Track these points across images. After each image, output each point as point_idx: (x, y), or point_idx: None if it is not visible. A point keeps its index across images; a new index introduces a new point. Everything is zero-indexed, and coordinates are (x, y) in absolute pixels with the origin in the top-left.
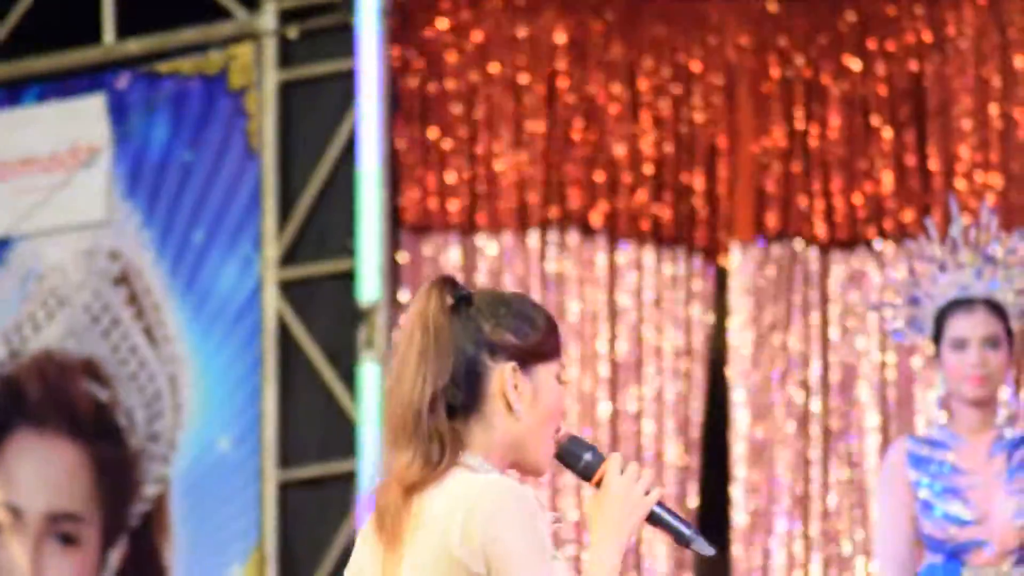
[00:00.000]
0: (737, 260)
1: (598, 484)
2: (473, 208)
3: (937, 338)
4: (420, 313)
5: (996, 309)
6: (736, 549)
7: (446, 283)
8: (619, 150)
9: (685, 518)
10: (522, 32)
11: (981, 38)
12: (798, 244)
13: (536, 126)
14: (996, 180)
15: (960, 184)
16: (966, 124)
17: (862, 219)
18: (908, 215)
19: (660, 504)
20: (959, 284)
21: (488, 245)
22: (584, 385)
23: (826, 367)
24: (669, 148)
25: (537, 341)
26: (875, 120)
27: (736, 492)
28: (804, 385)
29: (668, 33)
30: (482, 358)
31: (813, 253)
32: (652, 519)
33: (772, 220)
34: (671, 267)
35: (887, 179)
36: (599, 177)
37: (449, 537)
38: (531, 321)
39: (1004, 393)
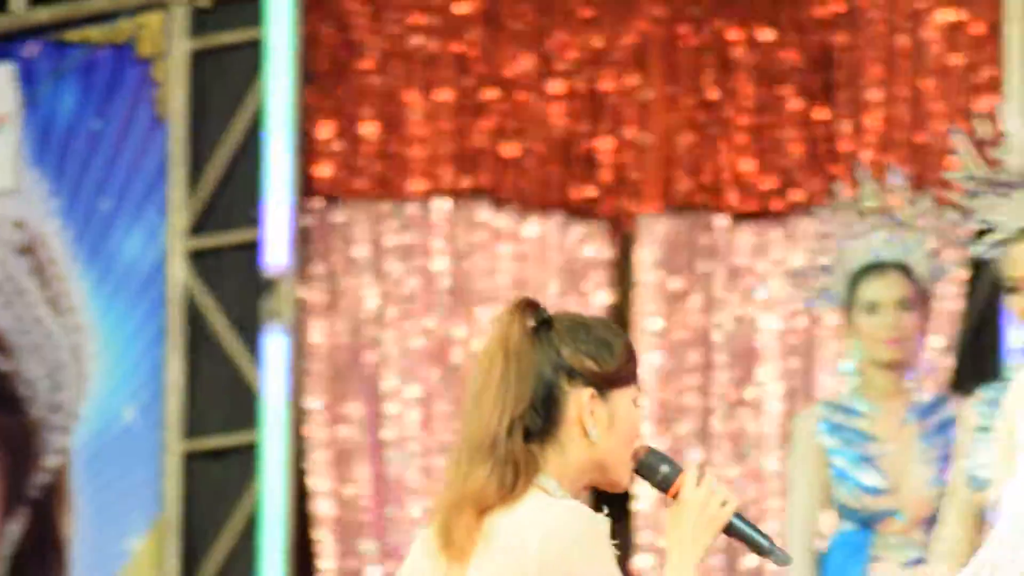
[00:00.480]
0: (645, 230)
1: (675, 496)
2: (383, 178)
3: (850, 304)
4: (502, 337)
5: (907, 272)
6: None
7: (528, 306)
8: (529, 121)
9: (760, 529)
10: (434, 1)
11: (892, 9)
12: (707, 214)
13: (447, 96)
14: (904, 151)
15: (868, 155)
16: (875, 95)
17: (771, 189)
18: (817, 185)
19: (737, 515)
20: (870, 249)
21: (398, 215)
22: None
23: (730, 337)
24: (580, 119)
25: (615, 368)
26: (785, 90)
27: None
28: (707, 354)
29: (579, 2)
30: (560, 383)
31: (722, 223)
32: (729, 530)
33: (681, 190)
34: (580, 237)
35: (796, 149)
36: (509, 149)
37: (524, 559)
38: (610, 347)
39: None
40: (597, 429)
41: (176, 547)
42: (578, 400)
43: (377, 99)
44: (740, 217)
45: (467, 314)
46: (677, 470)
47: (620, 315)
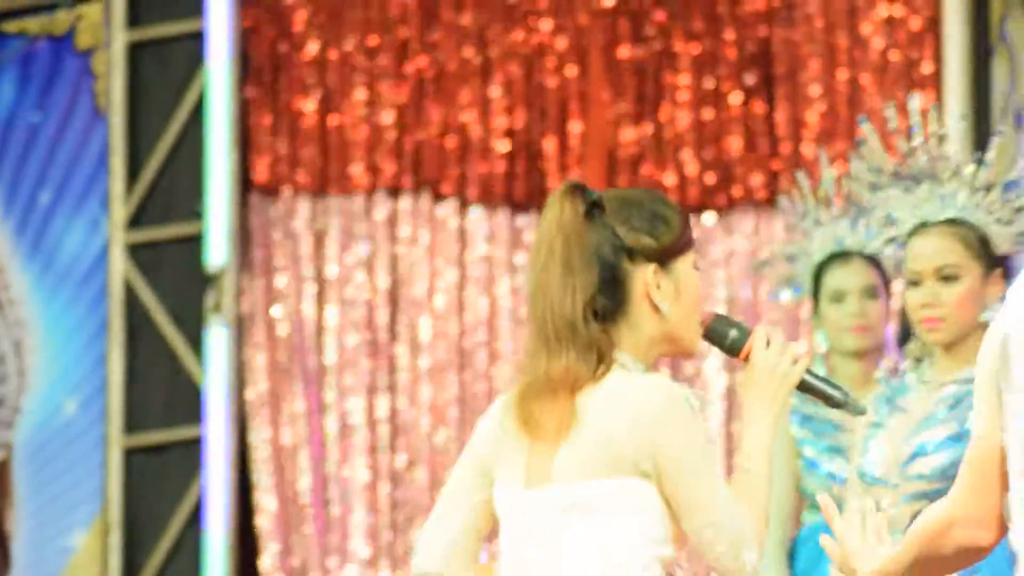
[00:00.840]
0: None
1: (746, 359)
2: (324, 171)
3: (816, 294)
4: (557, 222)
5: (872, 260)
6: None
7: (576, 190)
8: (470, 115)
9: (834, 381)
10: None
11: (830, 4)
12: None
13: (387, 90)
14: (843, 145)
15: (808, 149)
16: (814, 90)
17: (711, 184)
18: (756, 179)
19: (809, 372)
20: (834, 237)
21: (339, 209)
22: (437, 352)
23: None
24: (521, 114)
25: (673, 239)
26: (724, 85)
27: None
28: None
29: None
30: (622, 264)
31: None
32: (803, 387)
33: (623, 185)
34: (524, 230)
35: (736, 144)
36: (450, 142)
37: (614, 434)
38: (664, 219)
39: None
40: (666, 302)
41: (119, 542)
42: (643, 277)
43: (317, 92)
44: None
45: (410, 308)
46: (746, 333)
47: None
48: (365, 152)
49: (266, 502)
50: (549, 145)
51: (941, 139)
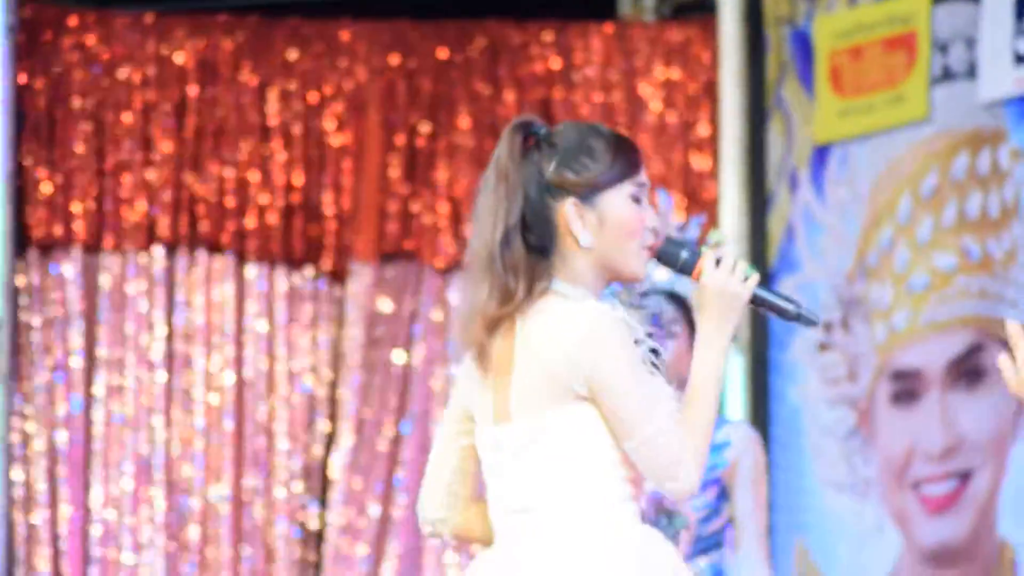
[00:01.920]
0: (359, 279)
1: (699, 278)
2: (100, 226)
3: None
4: (496, 159)
5: (674, 298)
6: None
7: (520, 127)
8: (250, 172)
9: (786, 294)
10: (151, 51)
11: (607, 66)
12: (419, 265)
13: (165, 145)
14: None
15: None
16: None
17: None
18: None
19: (760, 286)
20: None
21: (114, 263)
22: (211, 400)
23: (449, 381)
24: (299, 170)
25: (597, 173)
26: None
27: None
28: (427, 400)
29: (299, 55)
30: (545, 199)
31: (433, 273)
32: (755, 302)
33: (393, 240)
34: (299, 286)
35: None
36: (229, 198)
37: (552, 360)
38: (591, 153)
39: None
40: (587, 235)
41: None
42: (562, 212)
43: (94, 148)
44: (456, 269)
45: (186, 359)
46: (697, 254)
47: (335, 357)
48: (143, 207)
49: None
50: (327, 202)
51: None
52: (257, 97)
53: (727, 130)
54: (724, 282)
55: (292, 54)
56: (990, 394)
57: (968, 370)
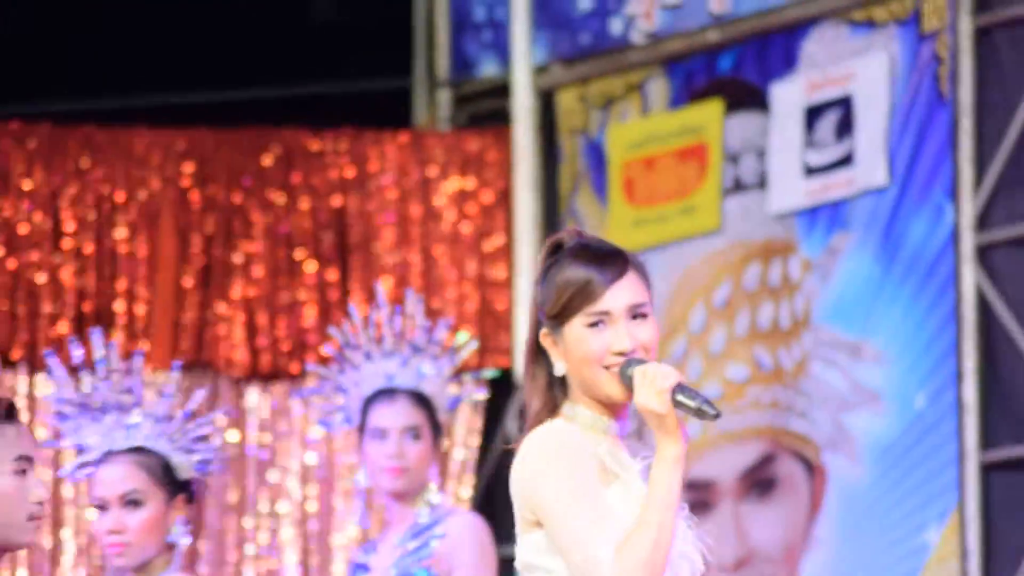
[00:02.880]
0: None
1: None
2: None
3: (362, 428)
4: None
5: (420, 400)
6: None
7: (551, 245)
8: (40, 279)
9: (699, 392)
10: None
11: (403, 174)
12: (214, 375)
13: None
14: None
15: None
16: (388, 259)
17: (285, 352)
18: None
19: (679, 389)
20: (384, 373)
21: None
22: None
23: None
24: (91, 278)
25: (556, 308)
26: (299, 253)
27: None
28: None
29: (92, 162)
30: (538, 325)
31: (228, 384)
32: (678, 405)
33: (187, 350)
34: None
35: (310, 312)
36: (19, 307)
37: (513, 485)
38: (555, 285)
39: (430, 492)
40: (560, 363)
41: None
42: (544, 341)
43: None
44: (253, 378)
45: None
46: (628, 375)
47: None
48: None
49: None
50: (119, 310)
51: (127, 372)
52: (49, 203)
53: (522, 240)
54: (645, 400)
55: (85, 162)
56: (782, 505)
57: (760, 480)
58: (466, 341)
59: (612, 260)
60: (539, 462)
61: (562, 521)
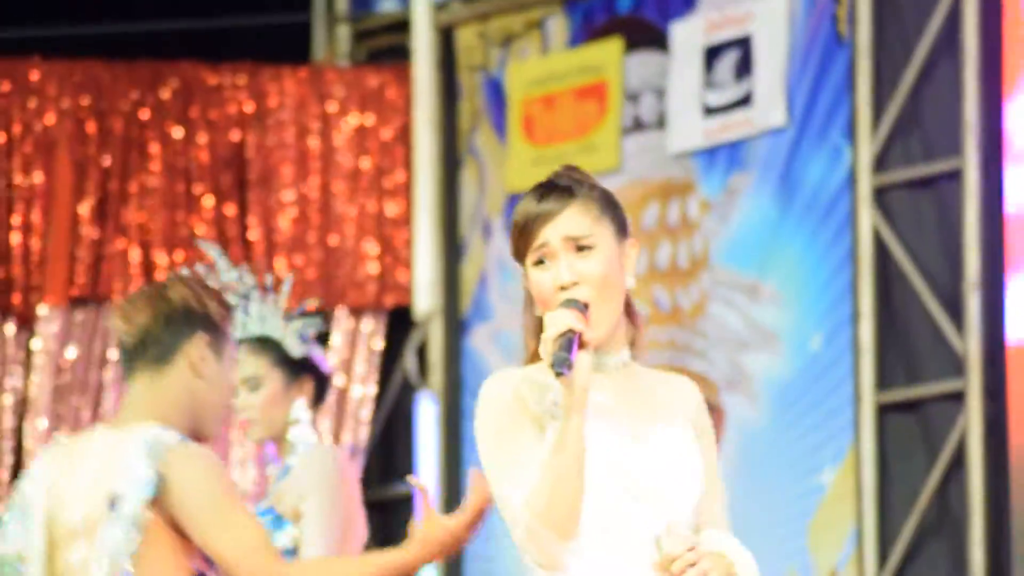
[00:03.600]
0: (46, 324)
1: None
2: None
3: None
4: None
5: (260, 345)
6: None
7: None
8: None
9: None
10: None
11: (302, 110)
12: (108, 308)
13: None
14: (317, 254)
15: (280, 263)
16: (287, 196)
17: None
18: None
19: (560, 340)
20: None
21: None
22: None
23: None
24: None
25: (513, 248)
26: (197, 188)
27: None
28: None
29: None
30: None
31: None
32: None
33: (83, 284)
34: None
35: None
36: None
37: None
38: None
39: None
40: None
41: None
42: (524, 284)
43: None
44: None
45: None
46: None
47: (23, 401)
48: None
49: None
50: (15, 244)
51: None
52: None
53: (421, 177)
54: (540, 348)
55: None
56: None
57: None
58: (314, 325)
59: (553, 194)
60: (477, 408)
61: (486, 464)
